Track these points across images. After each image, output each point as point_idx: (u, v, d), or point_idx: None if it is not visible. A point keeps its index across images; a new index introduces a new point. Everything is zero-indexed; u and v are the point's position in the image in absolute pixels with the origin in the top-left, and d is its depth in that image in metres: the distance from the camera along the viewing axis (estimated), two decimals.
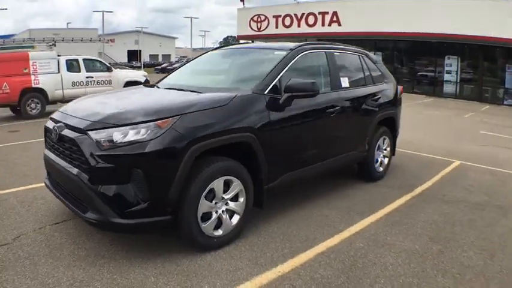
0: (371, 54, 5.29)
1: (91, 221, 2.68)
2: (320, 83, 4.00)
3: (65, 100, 11.36)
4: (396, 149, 6.47)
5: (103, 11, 46.70)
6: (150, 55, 66.38)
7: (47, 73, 10.69)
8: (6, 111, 10.86)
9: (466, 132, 9.78)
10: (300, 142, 3.65)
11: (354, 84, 4.48)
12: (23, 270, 2.64)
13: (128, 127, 2.64)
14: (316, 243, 3.15)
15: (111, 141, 2.61)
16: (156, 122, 2.66)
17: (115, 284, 2.52)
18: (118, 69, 13.29)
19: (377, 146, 4.87)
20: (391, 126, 5.15)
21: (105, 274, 2.62)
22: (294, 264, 2.81)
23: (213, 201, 2.90)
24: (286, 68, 3.55)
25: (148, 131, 2.62)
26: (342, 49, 4.55)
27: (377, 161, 4.94)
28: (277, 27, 24.54)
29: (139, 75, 13.53)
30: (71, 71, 11.25)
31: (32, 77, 10.41)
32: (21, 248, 2.95)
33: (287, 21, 24.24)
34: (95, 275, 2.61)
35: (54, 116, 3.30)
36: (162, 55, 69.18)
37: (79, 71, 11.45)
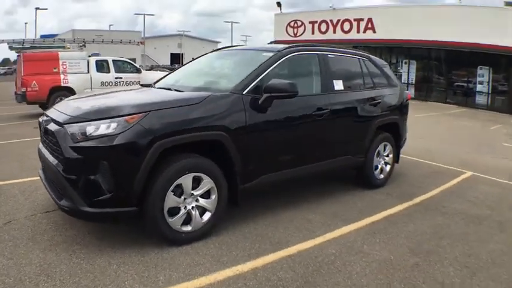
0: (375, 58, 5.10)
1: (64, 208, 2.82)
2: (308, 85, 3.94)
3: None
4: (409, 157, 6.27)
5: (144, 14, 48.70)
6: (192, 58, 68.31)
7: (76, 73, 11.30)
8: (36, 108, 11.35)
9: (488, 143, 9.12)
10: (282, 144, 3.58)
11: (349, 87, 4.34)
12: (2, 251, 2.80)
13: (100, 121, 2.76)
14: (287, 246, 3.06)
15: (84, 134, 2.71)
16: (124, 118, 2.74)
17: (79, 268, 2.61)
18: (148, 71, 13.82)
19: (376, 152, 4.67)
20: (394, 133, 4.92)
21: (73, 259, 2.72)
22: (255, 265, 2.75)
23: (182, 197, 2.93)
24: (269, 70, 3.52)
25: (118, 126, 2.70)
26: (338, 52, 4.43)
27: (376, 167, 4.73)
28: (313, 33, 24.44)
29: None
30: (100, 72, 11.73)
31: (62, 76, 11.03)
32: (8, 231, 3.12)
33: (323, 27, 24.01)
34: (64, 259, 2.72)
35: (47, 111, 3.52)
36: None
37: (108, 72, 11.88)
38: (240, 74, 3.53)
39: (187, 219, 2.99)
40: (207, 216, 3.09)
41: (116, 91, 4.20)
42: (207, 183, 3.02)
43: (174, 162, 2.85)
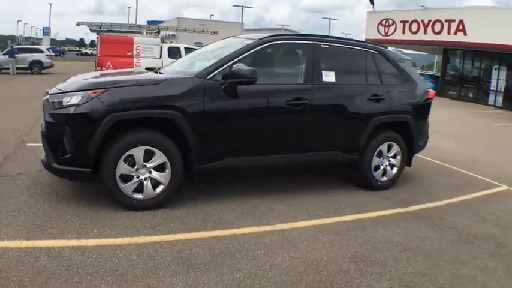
0: (389, 52, 4.56)
1: (43, 162, 3.32)
2: (287, 74, 3.80)
3: None
4: (439, 162, 5.57)
5: (242, 6, 50.37)
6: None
7: (149, 57, 12.37)
8: None
9: None
10: (248, 130, 3.50)
11: (345, 80, 3.99)
12: (1, 196, 3.37)
13: (73, 93, 3.12)
14: (225, 228, 3.03)
15: (61, 103, 3.08)
16: (89, 92, 3.04)
17: (43, 212, 3.02)
18: None
19: (377, 152, 4.21)
20: (404, 133, 4.39)
21: (45, 206, 3.11)
22: (180, 238, 2.79)
23: (135, 167, 3.16)
24: (242, 57, 3.47)
25: (82, 98, 3.01)
26: (337, 43, 4.10)
27: (377, 168, 4.25)
28: (404, 32, 22.65)
29: None
30: (171, 57, 12.35)
31: (135, 60, 12.18)
32: (16, 180, 3.70)
33: (414, 27, 21.93)
34: (39, 204, 3.15)
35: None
36: None
37: (179, 58, 12.82)
38: (215, 60, 3.60)
39: (140, 188, 3.21)
40: (160, 188, 3.24)
41: (112, 72, 4.64)
42: (159, 157, 3.16)
43: (128, 135, 3.10)
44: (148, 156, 3.16)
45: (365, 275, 2.60)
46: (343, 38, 4.37)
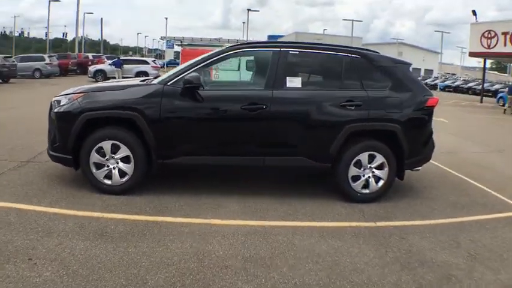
0: (378, 55, 4.13)
1: (47, 150, 4.19)
2: (248, 80, 3.92)
3: None
4: (461, 176, 4.77)
5: (352, 20, 48.97)
6: (412, 68, 63.40)
7: (227, 70, 13.29)
8: None
9: None
10: (203, 131, 3.76)
11: (314, 85, 3.91)
12: (17, 167, 4.42)
13: (65, 97, 3.93)
14: (156, 216, 3.37)
15: (59, 103, 3.91)
16: (73, 95, 3.85)
17: (49, 187, 3.91)
18: None
19: (354, 161, 3.90)
20: (392, 143, 3.95)
21: (45, 179, 4.06)
22: (114, 217, 3.28)
23: (105, 157, 3.76)
24: (202, 64, 3.83)
25: (67, 101, 3.83)
26: (309, 48, 4.04)
27: (356, 179, 3.92)
28: (505, 45, 20.01)
29: None
30: (248, 71, 13.45)
31: (213, 72, 13.28)
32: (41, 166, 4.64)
33: None
34: (37, 179, 4.05)
35: None
36: (425, 70, 64.75)
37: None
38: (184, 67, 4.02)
39: (109, 175, 3.82)
40: (125, 177, 3.80)
41: (109, 81, 5.37)
42: (123, 150, 3.72)
43: (98, 131, 3.76)
44: (115, 149, 3.74)
45: (241, 274, 2.56)
46: (320, 44, 4.22)
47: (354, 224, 3.49)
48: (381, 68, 4.04)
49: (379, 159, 3.94)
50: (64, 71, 25.15)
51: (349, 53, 4.04)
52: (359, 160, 3.91)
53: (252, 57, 4.10)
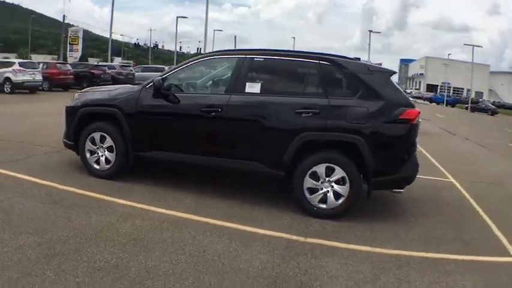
0: (350, 62, 3.81)
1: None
2: (210, 85, 4.09)
3: None
4: (478, 209, 4.50)
5: (473, 46, 42.48)
6: None
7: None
8: None
9: None
10: (169, 129, 4.12)
11: (273, 91, 3.86)
12: (41, 156, 5.50)
13: (75, 96, 4.85)
14: (111, 196, 3.86)
15: (72, 98, 4.87)
16: (77, 94, 4.72)
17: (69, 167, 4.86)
18: None
19: (310, 173, 3.69)
20: (356, 157, 3.60)
21: (63, 165, 5.01)
22: (74, 191, 3.89)
23: (96, 146, 4.43)
24: (175, 70, 4.26)
25: (74, 99, 4.70)
26: (276, 55, 4.02)
27: (313, 191, 3.71)
28: None
29: None
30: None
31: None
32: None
33: None
34: (54, 162, 5.04)
35: None
36: None
37: None
38: None
39: (98, 161, 4.49)
40: (109, 164, 4.41)
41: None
42: (109, 141, 4.34)
43: (91, 124, 4.45)
44: (103, 139, 4.39)
45: (122, 249, 2.84)
46: (289, 51, 4.10)
47: (282, 234, 3.33)
48: (351, 75, 3.76)
49: (339, 173, 3.66)
50: None
51: (318, 59, 3.87)
52: (315, 172, 3.70)
53: (222, 64, 4.29)
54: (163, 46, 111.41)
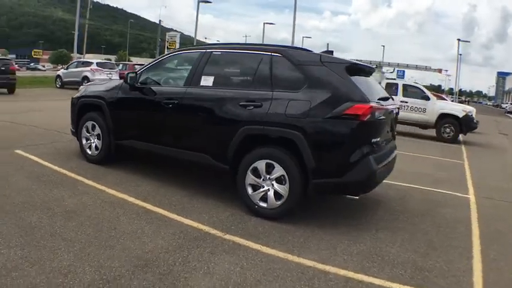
0: (301, 53, 3.60)
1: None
2: (173, 78, 4.33)
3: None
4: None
5: None
6: None
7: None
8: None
9: None
10: (139, 120, 4.45)
11: (224, 84, 3.90)
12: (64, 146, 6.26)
13: (82, 86, 5.49)
14: (95, 181, 4.25)
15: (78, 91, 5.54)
16: (82, 86, 5.33)
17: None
18: (439, 100, 12.19)
19: (251, 168, 3.57)
20: (296, 154, 3.37)
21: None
22: (60, 170, 4.42)
23: (89, 134, 4.97)
24: (148, 66, 4.59)
25: (79, 91, 5.34)
26: (232, 48, 4.06)
27: (255, 188, 3.59)
28: None
29: (457, 109, 11.57)
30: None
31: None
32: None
33: None
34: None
35: None
36: None
37: (396, 94, 11.40)
38: None
39: (90, 147, 5.00)
40: (97, 151, 4.90)
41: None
42: (97, 129, 4.85)
43: (86, 114, 5.00)
44: (93, 129, 4.91)
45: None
46: (245, 44, 4.02)
47: (204, 227, 3.31)
48: (300, 67, 3.56)
49: (278, 171, 3.48)
50: None
51: (270, 51, 3.76)
52: (256, 168, 3.59)
53: (188, 59, 4.41)
54: None
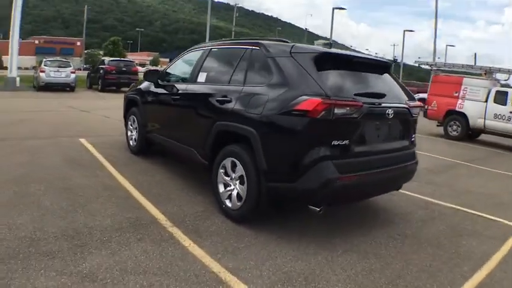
0: (276, 44, 3.38)
1: None
2: (184, 75, 4.58)
3: (486, 131, 10.45)
4: None
5: None
6: None
7: (473, 100, 10.47)
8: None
9: None
10: (156, 115, 4.84)
11: (212, 80, 3.97)
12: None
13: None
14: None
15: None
16: (134, 84, 6.03)
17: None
18: None
19: (221, 165, 3.49)
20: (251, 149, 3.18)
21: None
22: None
23: (132, 127, 5.64)
24: (171, 64, 4.95)
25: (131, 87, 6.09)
26: (227, 44, 4.06)
27: (225, 186, 3.51)
28: None
29: None
30: (497, 103, 10.19)
31: (459, 101, 10.73)
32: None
33: None
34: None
35: None
36: None
37: (504, 104, 10.02)
38: None
39: (132, 140, 5.67)
40: (135, 142, 5.54)
41: None
42: (136, 123, 5.49)
43: (131, 109, 5.69)
44: (134, 122, 5.59)
45: None
46: (237, 39, 3.85)
47: (160, 216, 3.43)
48: (271, 59, 3.35)
49: (239, 170, 3.35)
50: None
51: (251, 45, 3.65)
52: (225, 165, 3.53)
53: (195, 56, 4.54)
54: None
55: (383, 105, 3.25)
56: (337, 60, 3.28)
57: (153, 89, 5.06)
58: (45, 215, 3.21)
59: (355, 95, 3.07)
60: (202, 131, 3.86)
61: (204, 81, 4.10)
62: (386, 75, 3.68)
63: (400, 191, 4.83)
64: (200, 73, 4.18)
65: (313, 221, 3.57)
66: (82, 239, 2.87)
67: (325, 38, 43.32)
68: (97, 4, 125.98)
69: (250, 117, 3.26)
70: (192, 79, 4.29)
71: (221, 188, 3.58)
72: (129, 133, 5.79)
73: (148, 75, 4.98)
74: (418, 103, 3.71)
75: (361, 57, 3.55)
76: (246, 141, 3.29)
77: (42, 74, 15.77)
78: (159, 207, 3.62)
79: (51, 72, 15.79)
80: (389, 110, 3.24)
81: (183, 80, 4.63)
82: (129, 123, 5.75)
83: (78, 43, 60.14)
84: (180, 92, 4.38)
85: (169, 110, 4.63)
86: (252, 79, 3.50)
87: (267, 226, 3.33)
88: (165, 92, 4.73)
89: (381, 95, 3.31)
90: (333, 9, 32.53)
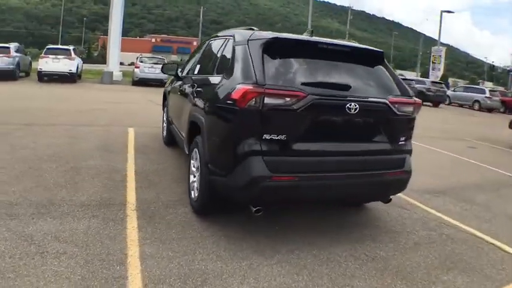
0: (243, 32, 3.24)
1: None
2: (191, 67, 4.70)
3: None
4: None
5: None
6: None
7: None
8: None
9: None
10: (175, 106, 5.03)
11: (200, 71, 4.17)
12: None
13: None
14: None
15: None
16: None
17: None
18: None
19: (191, 156, 3.60)
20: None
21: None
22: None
23: (164, 119, 6.06)
24: (189, 57, 5.22)
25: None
26: (218, 37, 4.07)
27: (194, 177, 3.52)
28: None
29: None
30: None
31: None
32: None
33: None
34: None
35: None
36: None
37: None
38: None
39: (164, 130, 6.12)
40: (164, 131, 5.97)
41: None
42: (165, 115, 5.91)
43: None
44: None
45: None
46: (227, 30, 3.76)
47: (133, 200, 3.65)
48: (234, 48, 3.26)
49: (197, 157, 3.38)
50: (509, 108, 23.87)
51: (226, 36, 3.64)
52: (193, 156, 3.58)
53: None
54: None
55: (341, 98, 2.83)
56: (296, 47, 2.99)
57: (172, 81, 5.41)
58: (37, 187, 3.76)
59: (304, 84, 2.75)
60: (185, 121, 4.01)
61: (197, 72, 4.28)
62: (378, 66, 3.19)
63: (420, 205, 4.20)
64: (197, 65, 4.35)
65: (282, 222, 3.34)
66: (49, 208, 3.28)
67: (443, 44, 39.84)
68: (219, 6, 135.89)
69: (202, 108, 3.30)
70: (193, 71, 4.49)
71: (191, 179, 3.63)
72: (164, 125, 6.26)
73: (165, 68, 5.26)
74: (409, 100, 3.09)
75: (330, 44, 3.09)
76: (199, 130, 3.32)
77: (136, 70, 17.51)
78: (139, 193, 3.84)
79: (145, 69, 17.41)
80: (352, 104, 2.80)
81: (188, 72, 4.82)
82: (163, 114, 6.22)
83: (195, 42, 65.55)
84: (180, 84, 4.63)
85: (175, 102, 4.91)
86: (220, 68, 3.48)
87: (230, 222, 3.25)
88: (176, 84, 5.02)
89: (344, 87, 2.89)
90: (441, 12, 32.33)
